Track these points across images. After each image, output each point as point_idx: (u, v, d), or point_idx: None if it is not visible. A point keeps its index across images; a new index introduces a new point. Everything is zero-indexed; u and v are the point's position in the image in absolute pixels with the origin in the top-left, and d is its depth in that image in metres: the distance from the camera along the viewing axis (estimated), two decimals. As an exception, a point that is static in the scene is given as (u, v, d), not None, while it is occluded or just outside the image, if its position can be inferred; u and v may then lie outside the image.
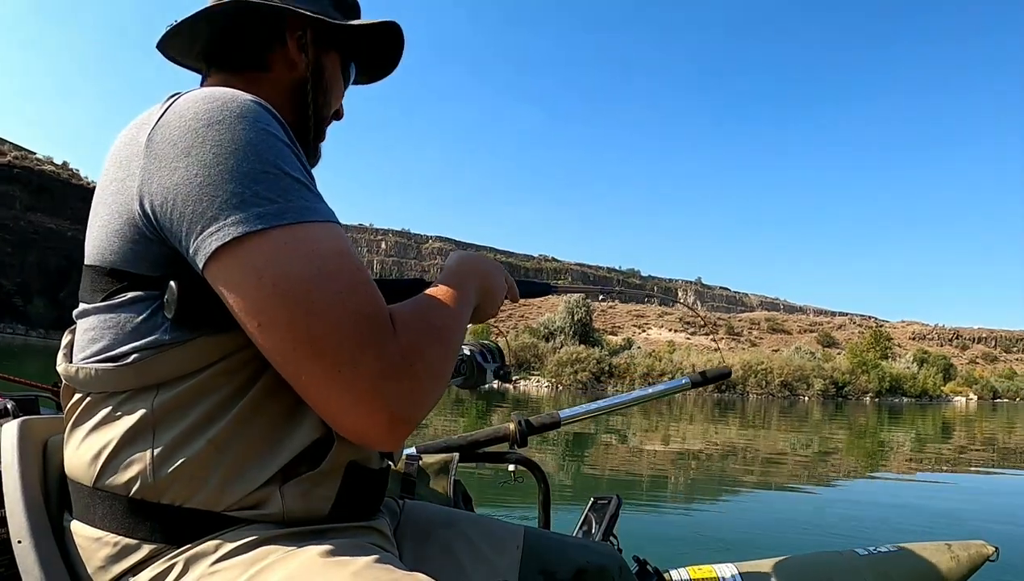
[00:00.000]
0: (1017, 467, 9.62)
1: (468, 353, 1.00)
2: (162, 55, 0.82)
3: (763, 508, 5.41)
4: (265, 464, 0.63)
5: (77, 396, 0.66)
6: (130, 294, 0.63)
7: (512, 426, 1.48)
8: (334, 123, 0.88)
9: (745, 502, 5.72)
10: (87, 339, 0.66)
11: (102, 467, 0.63)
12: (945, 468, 8.87)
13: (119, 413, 0.63)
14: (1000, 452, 11.59)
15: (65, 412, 0.68)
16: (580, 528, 1.44)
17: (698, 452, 9.55)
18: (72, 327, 0.70)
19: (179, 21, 0.75)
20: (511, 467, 1.48)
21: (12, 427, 0.71)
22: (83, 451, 0.64)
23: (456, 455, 1.38)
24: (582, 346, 39.74)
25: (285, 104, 0.77)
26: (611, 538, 1.37)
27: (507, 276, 0.90)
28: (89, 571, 0.64)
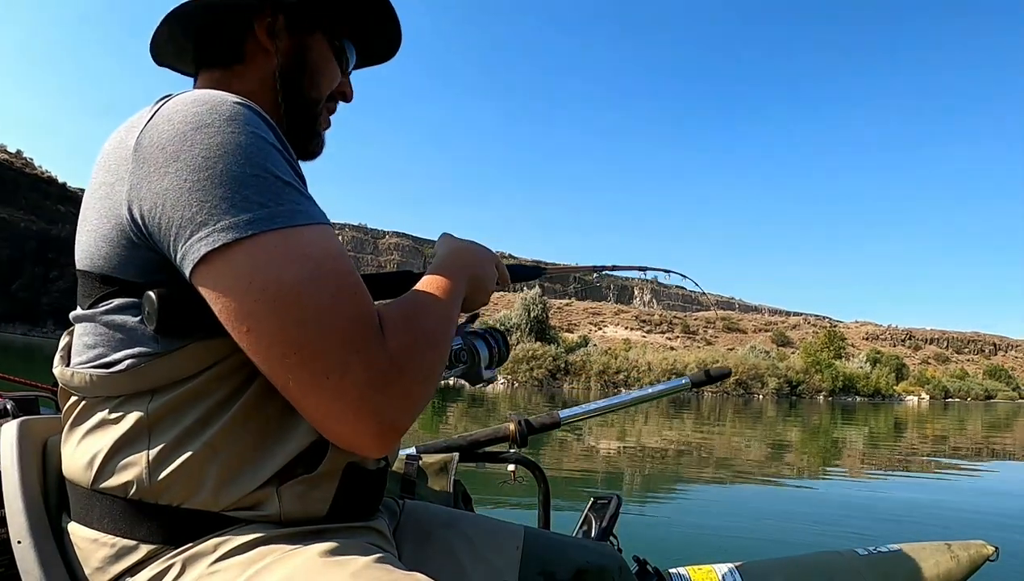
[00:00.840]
0: (987, 462, 9.91)
1: (466, 343, 0.89)
2: (169, 68, 0.81)
3: (763, 508, 5.41)
4: (261, 466, 0.63)
5: (74, 399, 0.66)
6: (119, 300, 0.62)
7: (512, 426, 1.48)
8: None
9: (745, 502, 5.72)
10: (81, 344, 0.66)
11: (99, 469, 0.63)
12: (935, 466, 8.98)
13: (115, 416, 0.63)
14: (975, 449, 11.88)
15: (63, 414, 0.69)
16: (580, 528, 1.44)
17: (697, 452, 9.55)
18: (71, 329, 0.70)
19: (154, 32, 0.75)
20: (511, 467, 1.48)
21: (12, 427, 0.71)
22: (80, 453, 0.64)
23: (456, 455, 1.38)
24: (538, 343, 39.76)
25: (270, 93, 0.76)
26: (611, 538, 1.37)
27: (498, 262, 0.89)
28: (87, 572, 0.64)
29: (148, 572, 0.61)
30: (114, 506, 0.63)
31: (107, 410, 0.63)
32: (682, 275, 1.58)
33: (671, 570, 1.32)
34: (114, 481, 0.62)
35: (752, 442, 11.28)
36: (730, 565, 1.34)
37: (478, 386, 0.93)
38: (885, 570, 1.27)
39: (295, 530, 0.65)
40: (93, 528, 0.64)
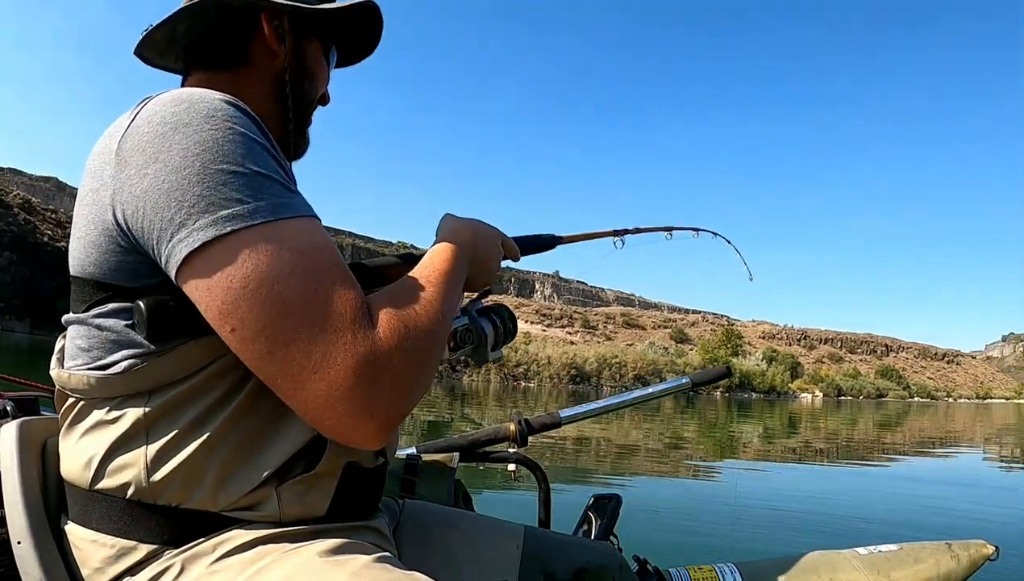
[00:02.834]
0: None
1: (472, 323, 0.82)
2: (140, 59, 0.81)
3: (763, 507, 5.40)
4: (260, 465, 0.63)
5: (71, 400, 0.66)
6: (112, 305, 0.62)
7: (512, 426, 1.48)
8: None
9: (745, 501, 5.71)
10: (75, 347, 0.65)
11: (97, 470, 0.63)
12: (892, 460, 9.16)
13: (112, 417, 0.63)
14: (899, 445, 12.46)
15: (60, 415, 0.68)
16: (580, 527, 1.44)
17: (698, 450, 9.55)
18: (64, 331, 0.70)
19: (155, 24, 0.75)
20: (511, 467, 1.48)
21: (11, 428, 0.71)
22: (78, 454, 0.64)
23: (456, 455, 1.38)
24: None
25: (268, 95, 0.76)
26: (611, 537, 1.37)
27: (504, 238, 0.87)
28: (87, 572, 0.64)
29: (148, 572, 0.61)
30: (113, 507, 0.63)
31: (104, 411, 0.63)
32: (713, 233, 1.50)
33: (671, 569, 1.31)
34: (112, 482, 0.62)
35: (650, 436, 11.30)
36: (730, 564, 1.33)
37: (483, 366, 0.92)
38: (885, 570, 1.27)
39: (295, 530, 0.64)
40: (92, 529, 0.64)
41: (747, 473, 7.62)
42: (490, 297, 0.90)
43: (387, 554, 0.67)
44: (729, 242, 1.51)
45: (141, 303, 0.58)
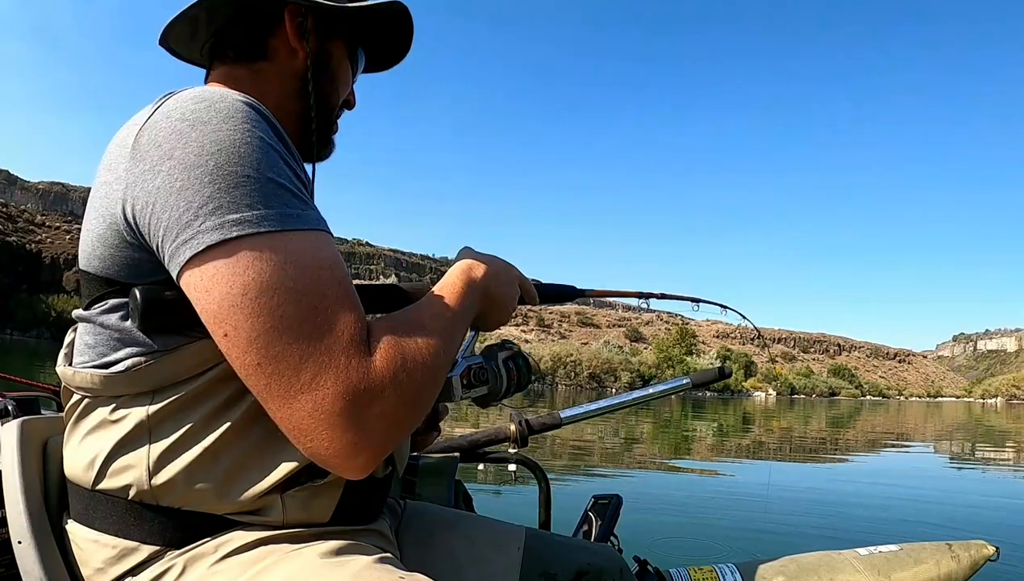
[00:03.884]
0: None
1: (488, 364, 0.79)
2: (167, 51, 0.80)
3: (763, 508, 5.40)
4: (265, 473, 0.62)
5: (76, 398, 0.66)
6: (115, 301, 0.62)
7: (513, 426, 1.48)
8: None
9: (745, 502, 5.71)
10: (83, 344, 0.65)
11: (100, 470, 0.62)
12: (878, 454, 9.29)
13: (116, 417, 0.62)
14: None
15: (65, 413, 0.68)
16: (580, 528, 1.44)
17: (697, 450, 9.56)
18: (75, 326, 0.69)
19: (177, 14, 0.73)
20: (512, 467, 1.48)
21: (12, 427, 0.71)
22: (81, 453, 0.64)
23: (457, 455, 1.38)
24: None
25: (289, 94, 0.75)
26: (611, 538, 1.37)
27: (522, 278, 0.84)
28: (89, 573, 0.64)
29: (149, 573, 0.61)
30: (115, 507, 0.62)
31: (108, 410, 0.63)
32: (741, 314, 1.50)
33: (671, 570, 1.31)
34: (115, 482, 0.62)
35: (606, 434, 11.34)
36: (730, 565, 1.33)
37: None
38: (886, 570, 1.27)
39: (297, 531, 0.64)
40: (94, 529, 0.63)
41: (745, 473, 7.62)
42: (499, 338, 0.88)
43: (389, 555, 0.66)
44: (758, 333, 1.52)
45: (136, 291, 0.58)
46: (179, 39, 0.78)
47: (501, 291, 0.77)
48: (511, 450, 1.49)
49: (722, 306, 1.42)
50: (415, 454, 1.36)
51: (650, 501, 5.37)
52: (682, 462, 8.36)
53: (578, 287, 1.03)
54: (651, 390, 1.65)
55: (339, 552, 0.63)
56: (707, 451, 9.93)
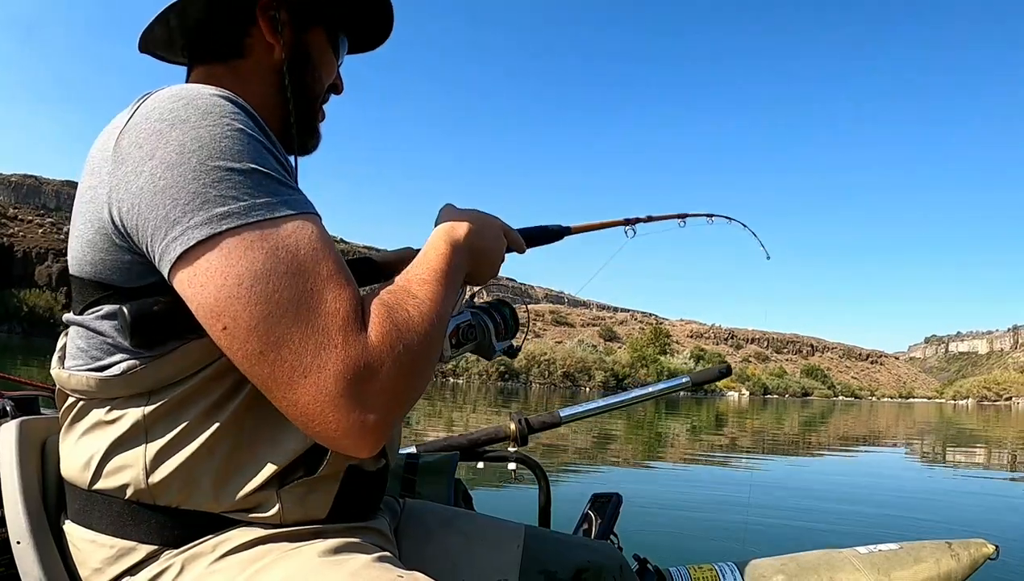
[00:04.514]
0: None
1: (475, 318, 0.80)
2: (150, 55, 0.79)
3: (763, 506, 5.40)
4: (260, 468, 0.62)
5: (71, 400, 0.66)
6: (108, 306, 0.61)
7: (512, 425, 1.48)
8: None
9: (745, 500, 5.71)
10: (75, 348, 0.65)
11: (96, 470, 0.62)
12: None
13: (111, 418, 0.62)
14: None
15: (60, 414, 0.68)
16: (580, 526, 1.44)
17: (697, 448, 9.57)
18: (66, 330, 0.69)
19: (151, 21, 0.73)
20: (511, 466, 1.48)
21: (11, 427, 0.71)
22: (77, 454, 0.64)
23: (456, 454, 1.38)
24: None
25: (270, 89, 0.74)
26: (611, 536, 1.37)
27: (507, 228, 0.83)
28: (87, 573, 0.64)
29: (147, 573, 0.61)
30: (112, 507, 0.62)
31: (103, 411, 0.63)
32: (727, 218, 1.45)
33: (671, 569, 1.31)
34: (111, 482, 0.62)
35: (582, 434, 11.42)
36: (730, 563, 1.33)
37: (492, 360, 0.86)
38: (886, 569, 1.27)
39: (295, 530, 0.64)
40: (92, 529, 0.63)
41: (747, 473, 7.63)
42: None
43: (387, 554, 0.66)
44: (744, 225, 1.47)
45: (124, 309, 0.57)
46: (158, 43, 0.78)
47: (487, 245, 0.77)
48: (511, 448, 1.49)
49: (708, 215, 1.38)
50: (415, 453, 1.36)
51: (650, 499, 5.38)
52: (682, 462, 8.36)
53: (564, 225, 1.02)
54: (651, 389, 1.65)
55: (338, 550, 0.63)
56: (706, 452, 9.94)
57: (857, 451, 11.34)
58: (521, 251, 0.89)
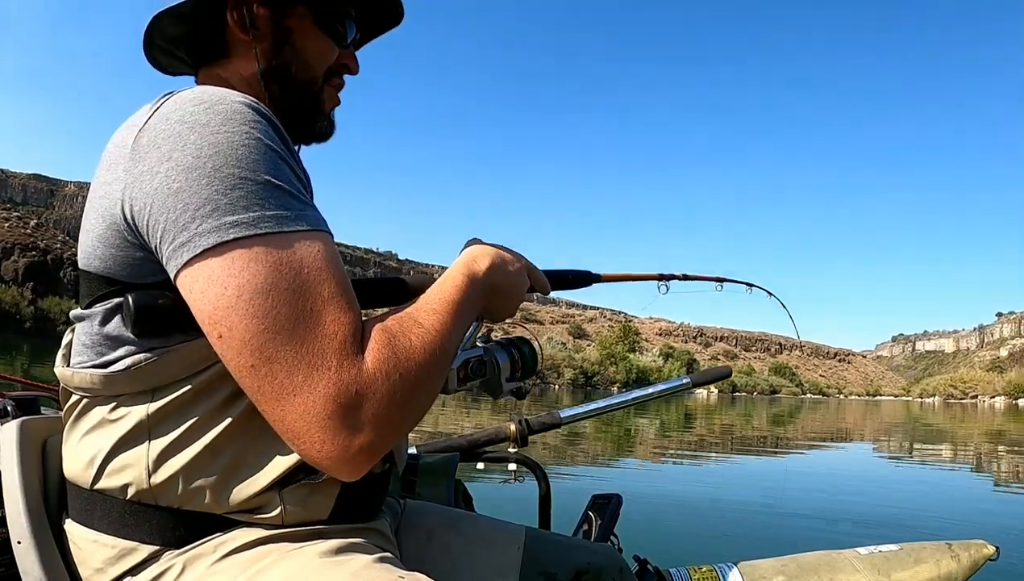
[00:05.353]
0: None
1: (487, 354, 0.77)
2: (163, 72, 0.80)
3: (763, 507, 5.40)
4: (263, 470, 0.62)
5: (75, 398, 0.66)
6: (114, 301, 0.61)
7: (512, 426, 1.48)
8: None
9: (745, 501, 5.71)
10: (81, 344, 0.65)
11: (99, 469, 0.62)
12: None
13: (115, 416, 0.62)
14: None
15: (63, 413, 0.68)
16: (580, 527, 1.44)
17: (696, 448, 9.57)
18: (73, 326, 0.69)
19: (143, 36, 0.74)
20: (512, 467, 1.48)
21: (12, 427, 0.71)
22: (80, 453, 0.64)
23: (456, 455, 1.38)
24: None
25: (257, 84, 0.73)
26: (611, 537, 1.37)
27: (531, 267, 0.82)
28: (88, 573, 0.64)
29: (149, 573, 0.61)
30: (114, 507, 0.62)
31: (107, 409, 0.63)
32: (768, 292, 1.44)
33: (671, 569, 1.31)
34: (114, 482, 0.62)
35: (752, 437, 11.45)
36: (730, 564, 1.33)
37: (500, 399, 0.82)
38: (886, 569, 1.27)
39: (296, 530, 0.64)
40: (93, 529, 0.63)
41: (745, 472, 7.63)
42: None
43: (388, 555, 0.66)
44: (783, 305, 1.48)
45: (129, 297, 0.58)
46: (167, 60, 0.79)
47: (507, 281, 0.75)
48: (511, 449, 1.49)
49: (748, 285, 1.38)
50: (415, 453, 1.36)
51: (650, 500, 5.37)
52: (682, 461, 8.36)
53: (593, 272, 0.99)
54: (651, 390, 1.65)
55: (339, 551, 0.63)
56: (704, 451, 9.94)
57: (845, 448, 11.49)
58: (545, 293, 0.88)
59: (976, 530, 4.34)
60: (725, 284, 1.35)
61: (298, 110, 0.76)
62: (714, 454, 9.50)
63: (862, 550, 1.34)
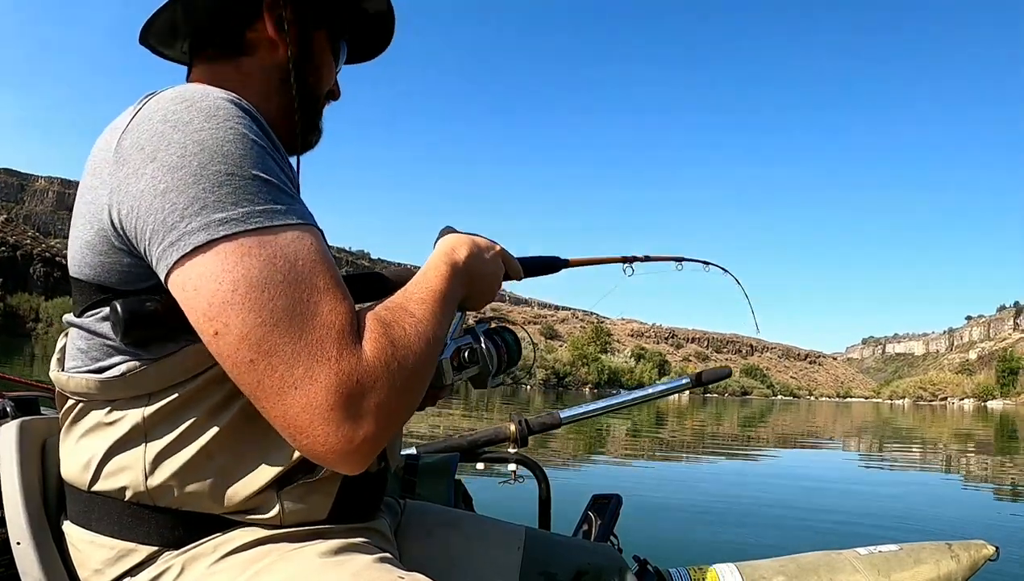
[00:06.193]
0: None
1: (477, 343, 0.77)
2: (149, 50, 0.79)
3: (763, 508, 5.40)
4: (260, 470, 0.62)
5: (71, 401, 0.66)
6: (107, 309, 0.60)
7: (512, 426, 1.48)
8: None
9: (745, 502, 5.71)
10: (75, 350, 0.65)
11: (96, 472, 0.62)
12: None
13: (111, 420, 0.62)
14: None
15: (60, 415, 0.68)
16: (580, 527, 1.44)
17: (697, 447, 9.57)
18: (67, 331, 0.69)
19: (154, 12, 0.72)
20: (511, 467, 1.48)
21: (11, 428, 0.71)
22: (77, 456, 0.64)
23: (456, 455, 1.38)
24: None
25: (272, 88, 0.74)
26: (611, 538, 1.37)
27: (505, 254, 0.83)
28: (87, 574, 0.64)
29: (148, 574, 0.61)
30: (112, 508, 0.62)
31: (103, 413, 0.63)
32: (723, 269, 1.46)
33: (671, 570, 1.31)
34: (111, 484, 0.62)
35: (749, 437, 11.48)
36: (730, 565, 1.33)
37: (481, 390, 0.82)
38: (886, 570, 1.27)
39: (296, 530, 0.64)
40: (91, 530, 0.63)
41: (744, 472, 7.63)
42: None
43: (388, 555, 0.67)
44: (739, 282, 1.50)
45: (118, 306, 0.57)
46: (159, 38, 0.77)
47: (486, 269, 0.76)
48: (511, 450, 1.49)
49: (706, 263, 1.42)
50: (415, 453, 1.36)
51: (650, 501, 5.37)
52: (681, 462, 8.36)
53: (562, 258, 1.03)
54: (651, 390, 1.65)
55: (338, 551, 0.63)
56: (704, 451, 9.94)
57: (839, 449, 11.53)
58: (518, 278, 0.89)
59: (976, 530, 4.34)
60: (685, 263, 1.38)
61: (302, 118, 0.76)
62: (713, 455, 9.50)
63: (862, 550, 1.34)
